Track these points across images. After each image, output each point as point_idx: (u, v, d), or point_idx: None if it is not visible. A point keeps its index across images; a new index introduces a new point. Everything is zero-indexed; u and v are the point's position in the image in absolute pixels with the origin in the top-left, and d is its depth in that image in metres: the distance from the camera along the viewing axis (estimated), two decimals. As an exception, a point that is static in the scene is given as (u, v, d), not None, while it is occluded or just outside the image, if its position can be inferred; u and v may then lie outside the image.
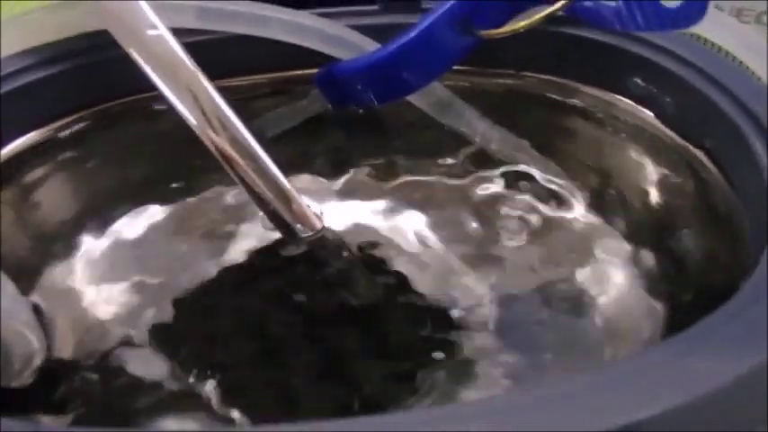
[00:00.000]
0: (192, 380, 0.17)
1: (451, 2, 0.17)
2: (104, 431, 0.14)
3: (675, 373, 0.12)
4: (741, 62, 0.19)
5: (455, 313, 0.19)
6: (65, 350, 0.17)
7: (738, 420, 0.12)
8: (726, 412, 0.12)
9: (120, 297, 0.19)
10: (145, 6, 0.17)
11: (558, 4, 0.16)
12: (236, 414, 0.16)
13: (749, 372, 0.12)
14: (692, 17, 0.14)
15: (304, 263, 0.18)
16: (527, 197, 0.20)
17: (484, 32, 0.17)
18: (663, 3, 0.14)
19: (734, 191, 0.16)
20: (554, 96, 0.20)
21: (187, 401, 0.16)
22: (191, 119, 0.17)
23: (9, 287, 0.14)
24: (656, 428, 0.11)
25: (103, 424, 0.16)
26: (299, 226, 0.18)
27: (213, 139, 0.17)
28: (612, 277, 0.19)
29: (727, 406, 0.12)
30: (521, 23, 0.16)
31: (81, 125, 0.19)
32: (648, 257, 0.19)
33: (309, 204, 0.18)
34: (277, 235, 0.18)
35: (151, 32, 0.17)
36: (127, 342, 0.18)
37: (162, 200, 0.20)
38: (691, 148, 0.18)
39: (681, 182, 0.18)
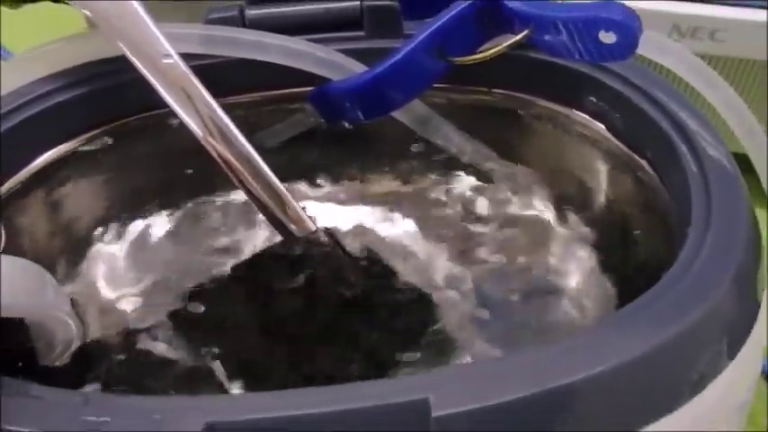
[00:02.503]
0: (202, 359, 0.19)
1: (428, 31, 0.20)
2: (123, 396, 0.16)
3: (602, 345, 0.14)
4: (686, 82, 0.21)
5: (436, 296, 0.22)
6: (93, 335, 0.20)
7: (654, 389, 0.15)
8: (636, 382, 0.14)
9: (137, 290, 0.22)
10: (160, 37, 0.19)
11: (519, 36, 0.18)
12: (239, 388, 0.19)
13: (664, 343, 0.14)
14: (624, 52, 0.16)
15: (301, 259, 0.20)
16: (497, 200, 0.23)
17: (456, 59, 0.20)
18: (601, 40, 0.16)
19: (667, 191, 0.19)
20: (520, 111, 0.23)
21: (198, 378, 0.19)
22: (198, 132, 0.20)
23: (52, 282, 0.16)
24: (580, 394, 0.14)
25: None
26: (294, 227, 0.20)
27: (218, 149, 0.20)
28: (571, 264, 0.22)
29: (640, 375, 0.14)
30: (488, 52, 0.19)
31: (102, 139, 0.22)
32: (601, 246, 0.22)
33: (304, 207, 0.21)
34: (277, 235, 0.21)
35: (166, 61, 0.19)
36: (145, 328, 0.20)
37: (173, 203, 0.23)
38: (636, 157, 0.21)
39: (627, 183, 0.21)
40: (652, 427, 0.15)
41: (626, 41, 0.16)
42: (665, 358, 0.15)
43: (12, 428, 0.13)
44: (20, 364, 0.17)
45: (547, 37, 0.18)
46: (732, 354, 0.16)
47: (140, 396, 0.14)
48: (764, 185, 0.21)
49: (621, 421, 0.14)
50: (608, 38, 0.16)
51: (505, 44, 0.19)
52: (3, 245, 0.14)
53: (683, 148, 0.18)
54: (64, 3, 0.20)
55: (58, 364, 0.17)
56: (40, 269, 0.16)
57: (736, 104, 0.20)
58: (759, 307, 0.17)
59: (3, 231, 0.14)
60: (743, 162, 0.20)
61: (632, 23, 0.16)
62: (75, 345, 0.17)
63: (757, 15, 0.29)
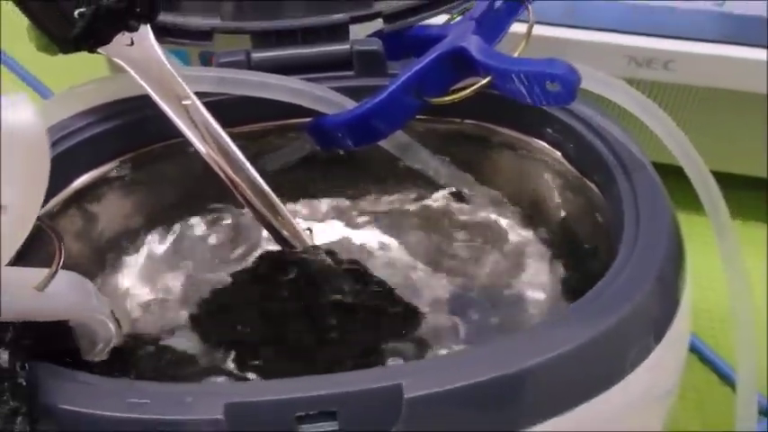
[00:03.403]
0: (217, 353, 0.23)
1: (407, 75, 0.23)
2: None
3: (550, 338, 0.18)
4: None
5: (417, 301, 0.25)
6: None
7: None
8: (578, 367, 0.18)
9: (159, 295, 0.25)
10: (181, 82, 0.23)
11: (482, 82, 0.22)
12: (250, 376, 0.22)
13: (599, 334, 0.18)
14: (566, 98, 0.20)
15: (299, 269, 0.24)
16: (469, 216, 0.27)
17: (432, 100, 0.23)
18: (547, 89, 0.20)
19: (609, 207, 0.23)
20: (489, 139, 0.26)
21: (214, 369, 0.23)
22: (210, 160, 0.23)
23: (94, 289, 0.20)
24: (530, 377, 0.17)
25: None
26: (293, 242, 0.24)
27: (227, 173, 0.23)
28: (532, 271, 0.26)
29: (581, 360, 0.18)
30: (457, 95, 0.23)
31: (128, 164, 0.25)
32: (558, 253, 0.26)
33: (301, 224, 0.24)
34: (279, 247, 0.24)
35: (185, 102, 0.23)
36: (168, 328, 0.24)
37: (189, 219, 0.27)
38: (586, 180, 0.24)
39: (580, 203, 0.25)
40: (592, 402, 0.18)
41: (567, 90, 0.19)
42: (601, 347, 0.18)
43: (70, 407, 0.17)
44: (67, 359, 0.20)
45: (505, 84, 0.21)
46: (656, 343, 0.19)
47: (173, 383, 0.17)
48: (703, 200, 0.24)
49: (566, 399, 0.18)
50: (553, 87, 0.20)
51: (471, 89, 0.22)
52: (62, 261, 0.17)
53: (619, 173, 0.22)
54: (98, 53, 0.23)
55: (98, 359, 0.21)
56: (85, 279, 0.20)
57: (673, 130, 0.24)
58: (679, 304, 0.21)
59: (63, 250, 0.17)
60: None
61: (572, 77, 0.19)
62: (113, 343, 0.20)
63: (704, 48, 0.33)
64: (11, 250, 0.15)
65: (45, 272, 0.17)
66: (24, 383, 0.16)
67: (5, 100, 0.14)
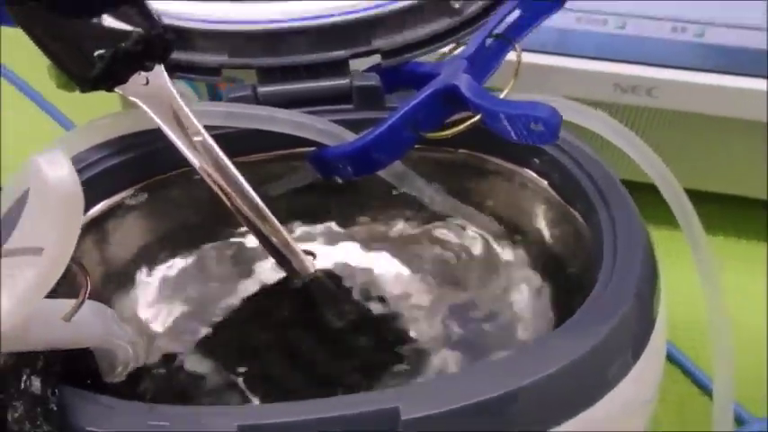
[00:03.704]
0: (227, 374, 0.24)
1: (403, 111, 0.25)
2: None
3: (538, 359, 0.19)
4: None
5: (415, 322, 0.27)
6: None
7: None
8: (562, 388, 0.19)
9: (171, 318, 0.27)
10: (192, 119, 0.24)
11: (472, 120, 0.23)
12: (257, 396, 0.24)
13: (584, 353, 0.20)
14: (549, 138, 0.21)
15: (303, 293, 0.25)
16: (462, 240, 0.28)
17: (427, 134, 0.25)
18: (532, 128, 0.21)
19: (591, 233, 0.24)
20: (481, 167, 0.28)
21: (224, 389, 0.24)
22: (218, 189, 0.25)
23: (114, 316, 0.21)
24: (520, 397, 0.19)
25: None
26: (297, 266, 0.25)
27: (234, 202, 0.25)
28: (522, 293, 0.27)
29: (568, 378, 0.19)
30: (451, 131, 0.24)
31: (141, 192, 0.27)
32: (545, 275, 0.27)
33: (305, 248, 0.26)
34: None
35: (197, 138, 0.24)
36: (178, 351, 0.25)
37: (200, 243, 0.28)
38: (570, 208, 0.26)
39: (566, 230, 0.26)
40: (579, 416, 0.20)
41: (549, 131, 0.21)
42: (585, 366, 0.20)
43: (96, 429, 0.18)
44: (88, 381, 0.22)
45: (493, 122, 0.23)
46: (635, 359, 0.21)
47: (192, 406, 0.19)
48: (678, 219, 0.25)
49: (554, 415, 0.20)
50: (537, 127, 0.21)
51: (462, 126, 0.24)
52: (89, 291, 0.19)
53: (599, 202, 0.24)
54: (115, 93, 0.25)
55: (117, 380, 0.22)
56: (106, 307, 0.21)
57: (650, 155, 0.25)
58: (655, 321, 0.22)
59: (89, 282, 0.19)
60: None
61: (554, 120, 0.21)
62: (132, 366, 0.22)
63: (685, 76, 0.34)
64: (45, 289, 0.16)
65: (71, 302, 0.19)
66: (55, 408, 0.17)
67: (44, 156, 0.15)
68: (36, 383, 0.18)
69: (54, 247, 0.15)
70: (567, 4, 0.28)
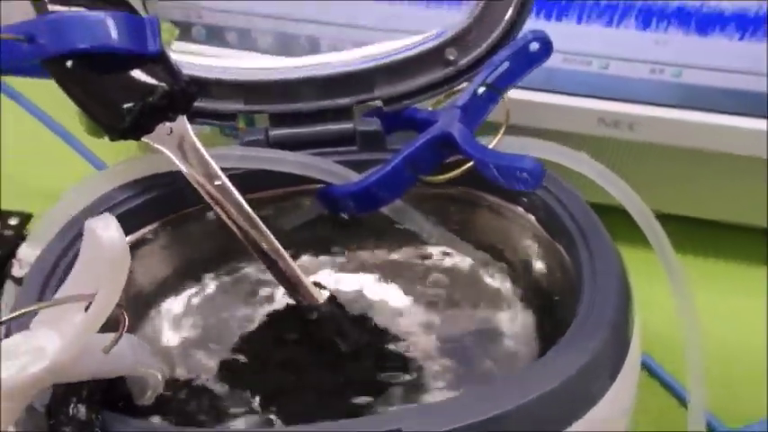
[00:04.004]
0: (243, 396, 0.27)
1: (403, 155, 0.27)
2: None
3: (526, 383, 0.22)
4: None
5: (414, 347, 0.29)
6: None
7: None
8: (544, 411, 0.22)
9: (191, 343, 0.29)
10: (213, 165, 0.27)
11: (465, 167, 0.26)
12: (273, 416, 0.26)
13: (569, 376, 0.22)
14: (533, 185, 0.24)
15: (312, 320, 0.28)
16: (458, 270, 0.31)
17: (424, 178, 0.27)
18: (518, 177, 0.24)
19: (572, 263, 0.27)
20: (475, 203, 0.30)
21: (241, 410, 0.27)
22: (233, 226, 0.27)
23: (145, 346, 0.24)
24: (510, 419, 0.21)
25: (191, 425, 0.26)
26: (306, 296, 0.28)
27: (248, 236, 0.27)
28: (511, 318, 0.30)
29: (553, 400, 0.22)
30: (445, 176, 0.27)
31: (163, 227, 0.29)
32: (533, 304, 0.30)
33: (314, 281, 0.28)
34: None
35: (217, 182, 0.27)
36: (199, 374, 0.28)
37: (215, 275, 0.31)
38: (555, 242, 0.28)
39: (549, 259, 0.29)
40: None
41: (533, 179, 0.23)
42: (569, 389, 0.22)
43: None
44: (120, 404, 0.24)
45: (483, 169, 0.25)
46: (612, 380, 0.24)
47: (217, 428, 0.21)
48: (653, 246, 0.28)
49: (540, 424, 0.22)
50: (522, 176, 0.24)
51: (456, 172, 0.26)
52: (126, 328, 0.21)
53: (579, 238, 0.26)
54: (141, 142, 0.27)
55: (146, 403, 0.25)
56: (138, 340, 0.24)
57: (627, 190, 0.28)
58: (630, 344, 0.25)
59: (126, 317, 0.21)
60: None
61: (537, 171, 0.23)
62: (159, 390, 0.24)
63: (662, 112, 0.37)
64: (93, 331, 0.19)
65: (110, 336, 0.21)
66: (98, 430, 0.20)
67: (97, 221, 0.18)
68: (82, 410, 0.20)
69: (103, 296, 0.18)
70: (555, 46, 0.31)
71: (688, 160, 0.38)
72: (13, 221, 0.41)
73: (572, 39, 0.37)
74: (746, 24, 0.34)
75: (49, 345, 0.19)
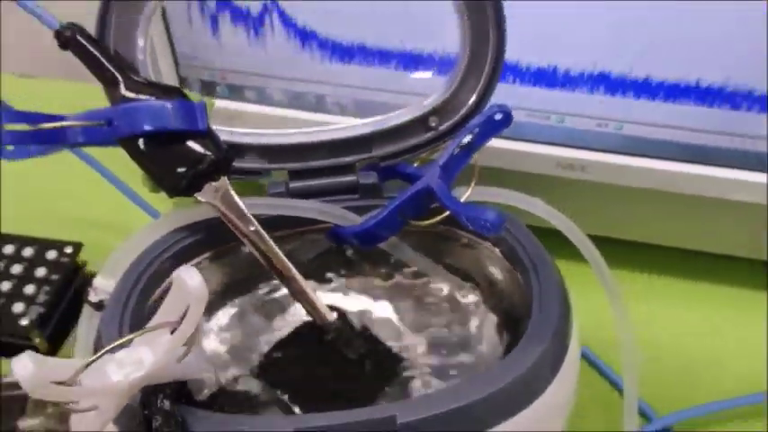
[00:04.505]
0: (273, 393, 0.34)
1: (393, 205, 0.35)
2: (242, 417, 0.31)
3: (491, 379, 0.30)
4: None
5: (406, 353, 0.37)
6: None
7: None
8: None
9: (230, 351, 0.37)
10: (248, 215, 0.34)
11: (441, 216, 0.34)
12: (296, 408, 0.34)
13: (520, 373, 0.30)
14: (495, 231, 0.31)
15: (325, 334, 0.35)
16: (441, 293, 0.39)
17: (412, 222, 0.35)
18: (483, 224, 0.32)
19: (525, 286, 0.34)
20: (454, 238, 0.38)
21: (272, 403, 0.34)
22: (264, 260, 0.35)
23: (204, 353, 0.31)
24: (477, 407, 0.29)
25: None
26: (320, 314, 0.36)
27: (274, 267, 0.35)
28: (484, 330, 0.38)
29: (511, 391, 0.29)
30: (427, 222, 0.35)
31: (207, 260, 0.37)
32: (496, 313, 0.37)
33: (329, 304, 0.36)
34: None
35: (251, 228, 0.34)
36: (239, 375, 0.35)
37: (249, 297, 0.38)
38: (513, 269, 0.36)
39: (511, 284, 0.36)
40: (518, 415, 0.30)
41: (495, 228, 0.31)
42: (521, 383, 0.30)
43: (200, 431, 0.28)
44: (182, 400, 0.32)
45: (457, 217, 0.33)
46: (554, 375, 0.31)
47: (263, 415, 0.29)
48: (594, 271, 0.36)
49: (501, 416, 0.30)
50: (486, 225, 0.31)
51: (434, 219, 0.34)
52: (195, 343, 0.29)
53: (530, 267, 0.34)
54: (191, 197, 0.35)
55: (202, 398, 0.32)
56: (201, 349, 0.31)
57: (573, 228, 0.35)
58: (568, 347, 0.32)
59: (195, 335, 0.29)
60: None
61: (498, 221, 0.31)
62: (213, 389, 0.32)
63: (608, 158, 0.45)
64: (177, 348, 0.26)
65: (183, 349, 0.29)
66: (180, 419, 0.28)
67: (185, 270, 0.25)
68: (167, 403, 0.28)
69: (187, 325, 0.26)
70: (521, 104, 0.39)
71: (629, 194, 0.46)
72: (68, 250, 0.49)
73: (535, 100, 0.44)
74: (673, 91, 0.42)
75: (146, 358, 0.27)
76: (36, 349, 0.46)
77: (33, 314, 0.46)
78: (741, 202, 0.43)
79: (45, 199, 0.57)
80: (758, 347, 0.46)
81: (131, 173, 0.42)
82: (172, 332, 0.27)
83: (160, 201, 0.50)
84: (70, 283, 0.48)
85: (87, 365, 0.25)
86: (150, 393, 0.28)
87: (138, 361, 0.27)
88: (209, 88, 0.48)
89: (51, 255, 0.49)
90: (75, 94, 0.70)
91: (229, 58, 0.46)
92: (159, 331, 0.27)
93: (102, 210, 0.55)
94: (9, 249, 0.49)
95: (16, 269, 0.48)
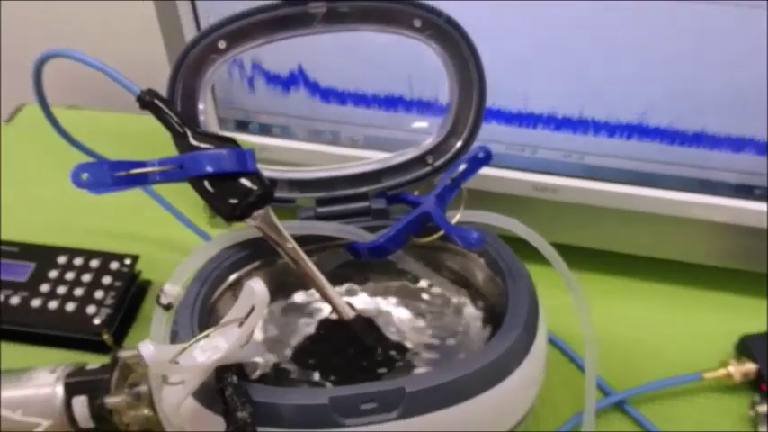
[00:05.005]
0: (307, 371, 0.44)
1: (398, 226, 0.45)
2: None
3: (476, 359, 0.39)
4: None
5: (406, 342, 0.47)
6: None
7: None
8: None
9: (272, 340, 0.46)
10: (286, 235, 0.44)
11: (436, 235, 0.43)
12: (327, 383, 0.44)
13: (499, 354, 0.39)
14: (477, 245, 0.41)
15: (345, 325, 0.45)
16: (437, 294, 0.48)
17: (413, 239, 0.45)
18: (468, 241, 0.41)
19: (503, 288, 0.44)
20: (448, 250, 0.48)
21: (306, 379, 0.44)
22: (295, 266, 0.44)
23: (256, 341, 0.41)
24: (466, 379, 0.39)
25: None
26: (342, 312, 0.45)
27: (305, 273, 0.45)
28: (470, 323, 0.47)
29: (491, 367, 0.39)
30: (426, 239, 0.44)
31: (254, 269, 0.47)
32: (484, 314, 0.47)
33: (347, 301, 0.46)
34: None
35: (289, 245, 0.44)
36: (280, 359, 0.45)
37: (287, 297, 0.48)
38: (496, 276, 0.46)
39: (493, 288, 0.46)
40: (497, 386, 0.39)
41: (477, 244, 0.41)
42: (499, 362, 0.40)
43: (261, 400, 0.38)
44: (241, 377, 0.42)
45: (449, 235, 0.43)
46: (524, 357, 0.41)
47: (303, 388, 0.39)
48: (559, 271, 0.46)
49: (484, 386, 0.39)
50: (471, 242, 0.41)
51: (432, 237, 0.44)
52: (253, 334, 0.38)
53: (508, 275, 0.44)
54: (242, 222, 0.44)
55: (254, 377, 0.42)
56: (254, 339, 0.41)
57: (542, 242, 0.45)
58: (536, 335, 0.42)
59: (254, 329, 0.38)
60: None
61: (480, 237, 0.41)
62: (263, 370, 0.42)
63: (573, 182, 0.54)
64: (243, 340, 0.36)
65: (245, 339, 0.38)
66: (245, 389, 0.37)
67: (254, 281, 0.35)
68: (234, 378, 0.37)
69: (251, 321, 0.35)
70: (502, 140, 0.48)
71: (590, 211, 0.55)
72: (127, 261, 0.59)
73: (513, 136, 0.54)
74: (624, 130, 0.52)
75: (221, 345, 0.36)
76: (104, 344, 0.56)
77: (103, 315, 0.55)
78: (679, 217, 0.53)
79: (106, 218, 0.67)
80: (695, 336, 0.56)
81: (178, 197, 0.52)
82: (239, 326, 0.36)
83: (200, 218, 0.60)
84: (129, 289, 0.58)
85: (183, 350, 0.35)
86: (221, 371, 0.38)
87: (215, 347, 0.37)
88: (242, 126, 0.58)
89: (114, 265, 0.59)
90: (116, 122, 0.80)
91: (260, 104, 0.56)
92: (230, 325, 0.36)
93: (150, 228, 0.65)
94: (79, 261, 0.59)
95: (86, 278, 0.58)
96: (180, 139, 0.43)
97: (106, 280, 0.58)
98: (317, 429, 0.37)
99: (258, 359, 0.43)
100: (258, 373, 0.42)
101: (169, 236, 0.63)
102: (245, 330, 0.36)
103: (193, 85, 0.44)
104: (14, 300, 0.56)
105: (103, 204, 0.63)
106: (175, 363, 0.35)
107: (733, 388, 0.52)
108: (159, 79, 0.46)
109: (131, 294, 0.59)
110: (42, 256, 0.59)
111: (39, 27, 0.87)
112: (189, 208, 0.61)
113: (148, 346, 0.33)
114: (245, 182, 0.43)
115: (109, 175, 0.42)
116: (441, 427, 0.39)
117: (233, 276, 0.46)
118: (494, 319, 0.46)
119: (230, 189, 0.43)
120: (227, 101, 0.56)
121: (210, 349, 0.36)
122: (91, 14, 0.84)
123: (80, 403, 0.47)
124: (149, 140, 0.50)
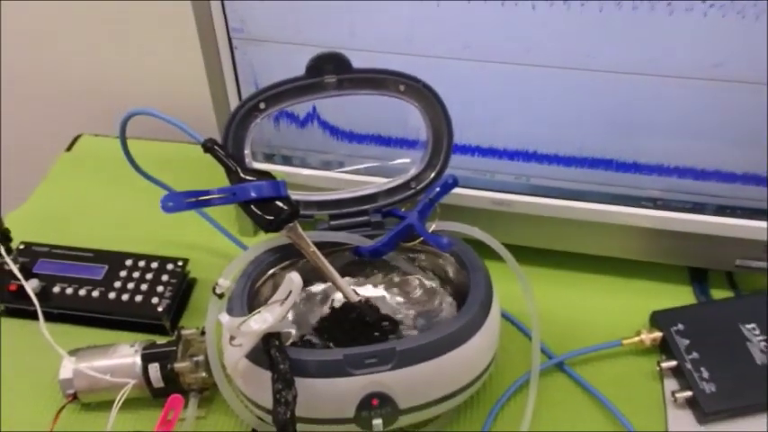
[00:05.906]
0: (325, 341, 0.61)
1: (391, 234, 0.61)
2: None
3: (449, 326, 0.56)
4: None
5: (399, 318, 0.63)
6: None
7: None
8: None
9: (299, 317, 0.63)
10: (309, 242, 0.60)
11: (420, 239, 0.60)
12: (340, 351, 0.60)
13: (465, 322, 0.56)
14: (449, 248, 0.58)
15: (353, 307, 0.61)
16: (420, 283, 0.65)
17: (402, 243, 0.61)
18: (440, 244, 0.58)
19: (467, 278, 0.60)
20: (426, 251, 0.64)
21: (325, 346, 0.60)
22: (318, 267, 0.61)
23: (288, 317, 0.57)
24: (442, 340, 0.55)
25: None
26: (349, 296, 0.62)
27: (322, 268, 0.61)
28: (445, 302, 0.64)
29: (460, 332, 0.56)
30: (412, 243, 0.61)
31: (284, 267, 0.63)
32: (452, 294, 0.64)
33: (353, 288, 0.62)
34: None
35: (311, 249, 0.60)
36: (305, 332, 0.62)
37: (309, 286, 0.65)
38: (462, 269, 0.62)
39: (461, 277, 0.63)
40: (461, 347, 0.56)
41: (447, 247, 0.57)
42: (464, 328, 0.56)
43: (297, 358, 0.54)
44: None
45: (427, 242, 0.59)
46: (480, 326, 0.57)
47: (323, 350, 0.55)
48: (511, 268, 0.62)
49: (455, 345, 0.55)
50: (443, 245, 0.58)
51: (415, 242, 0.61)
52: (289, 311, 0.55)
53: (470, 265, 0.60)
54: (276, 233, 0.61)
55: (287, 344, 0.58)
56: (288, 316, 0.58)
57: (498, 245, 0.62)
58: (490, 310, 0.58)
59: (289, 307, 0.55)
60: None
61: (450, 242, 0.57)
62: (294, 339, 0.58)
63: (524, 198, 0.71)
64: (284, 313, 0.53)
65: (284, 314, 0.55)
66: (284, 349, 0.53)
67: (293, 274, 0.51)
68: (277, 342, 0.54)
69: (289, 301, 0.52)
70: (468, 167, 0.65)
71: (536, 220, 0.72)
72: (180, 263, 0.75)
73: (477, 164, 0.70)
74: (557, 159, 0.68)
75: (267, 318, 0.53)
76: (164, 328, 0.72)
77: (164, 305, 0.72)
78: (603, 222, 0.70)
79: (159, 229, 0.83)
80: (617, 313, 0.72)
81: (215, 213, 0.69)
82: (280, 305, 0.53)
83: (232, 229, 0.77)
84: (181, 285, 0.75)
85: (245, 321, 0.52)
86: (267, 338, 0.54)
87: (264, 319, 0.53)
88: (269, 158, 0.74)
89: (170, 266, 0.75)
90: (159, 150, 0.97)
91: (283, 140, 0.73)
92: (274, 304, 0.53)
93: (193, 237, 0.81)
94: (142, 263, 0.75)
95: (148, 276, 0.74)
96: (232, 174, 0.59)
97: (164, 278, 0.74)
98: (335, 378, 0.54)
99: (291, 330, 0.59)
100: (290, 341, 0.59)
101: (209, 243, 0.80)
102: (285, 308, 0.52)
103: (241, 135, 0.60)
104: (95, 293, 0.72)
105: (157, 218, 0.80)
106: (239, 329, 0.51)
107: (645, 351, 0.69)
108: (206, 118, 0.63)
109: (182, 289, 0.75)
110: (112, 260, 0.75)
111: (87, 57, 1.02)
112: (223, 222, 0.78)
113: (225, 316, 0.50)
114: (279, 204, 0.59)
115: (183, 200, 0.58)
116: (422, 376, 0.55)
117: (269, 272, 0.63)
118: (460, 299, 0.63)
119: (268, 209, 0.59)
120: (257, 138, 0.73)
121: (261, 321, 0.53)
122: (149, 60, 0.99)
123: (154, 369, 0.64)
124: (183, 165, 0.73)
